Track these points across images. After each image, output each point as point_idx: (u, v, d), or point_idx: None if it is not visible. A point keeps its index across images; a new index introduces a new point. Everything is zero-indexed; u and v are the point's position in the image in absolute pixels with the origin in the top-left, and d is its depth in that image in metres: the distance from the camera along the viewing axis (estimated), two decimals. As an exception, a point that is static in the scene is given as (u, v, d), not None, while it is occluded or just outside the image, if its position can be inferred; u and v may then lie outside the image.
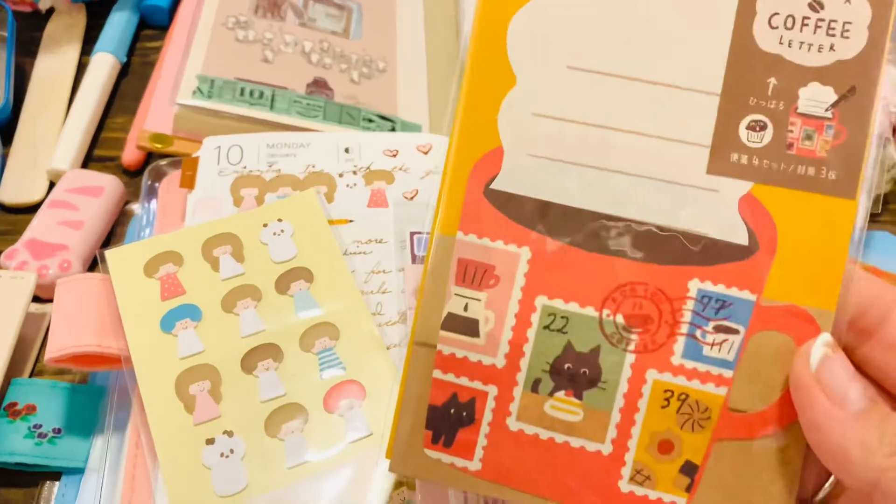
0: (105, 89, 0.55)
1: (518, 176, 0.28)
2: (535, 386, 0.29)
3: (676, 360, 0.28)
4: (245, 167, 0.43)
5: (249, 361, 0.36)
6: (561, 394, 0.28)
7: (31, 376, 0.43)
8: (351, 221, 0.42)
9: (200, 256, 0.39)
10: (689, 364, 0.28)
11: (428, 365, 0.29)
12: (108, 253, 0.39)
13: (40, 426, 0.39)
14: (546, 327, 0.28)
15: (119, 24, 0.58)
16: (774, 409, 0.28)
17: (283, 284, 0.38)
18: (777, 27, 0.28)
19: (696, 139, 0.28)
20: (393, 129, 0.51)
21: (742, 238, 0.28)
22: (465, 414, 0.29)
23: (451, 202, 0.29)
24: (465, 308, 0.29)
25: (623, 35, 0.28)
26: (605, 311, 0.28)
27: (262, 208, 0.41)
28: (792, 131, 0.28)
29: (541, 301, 0.28)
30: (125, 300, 0.37)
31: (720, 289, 0.28)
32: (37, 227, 0.46)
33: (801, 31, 0.28)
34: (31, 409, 0.39)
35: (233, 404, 0.35)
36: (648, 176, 0.28)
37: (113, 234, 0.49)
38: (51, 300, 0.40)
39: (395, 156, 0.44)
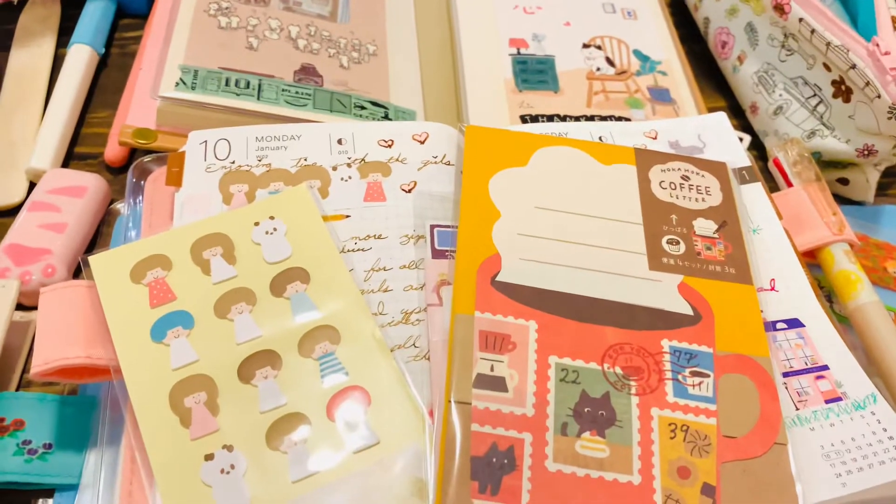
0: (84, 83, 0.53)
1: (515, 272, 0.38)
2: (563, 429, 0.33)
3: (671, 398, 0.35)
4: (233, 162, 0.41)
5: (247, 370, 0.34)
6: (587, 434, 0.33)
7: (18, 389, 0.41)
8: (347, 217, 0.40)
9: (190, 259, 0.37)
10: (682, 401, 0.35)
11: (466, 420, 0.33)
12: (92, 259, 0.37)
13: (30, 442, 0.37)
14: (562, 380, 0.35)
15: (95, 14, 0.56)
16: (754, 435, 0.34)
17: (278, 286, 0.37)
18: (666, 188, 0.42)
19: (636, 250, 0.40)
20: (386, 116, 0.49)
21: (688, 311, 0.38)
22: (506, 461, 0.32)
23: (467, 291, 0.37)
24: (492, 369, 0.34)
25: (568, 189, 0.42)
26: (606, 365, 0.35)
27: (252, 205, 0.39)
28: (696, 244, 0.40)
29: (553, 359, 0.35)
30: (112, 309, 0.36)
31: (685, 345, 0.36)
32: (18, 232, 0.45)
33: (681, 190, 0.42)
34: (19, 424, 0.38)
35: (231, 416, 0.33)
36: (611, 272, 0.38)
37: (99, 235, 0.47)
38: (36, 307, 0.38)
39: (390, 146, 0.42)
